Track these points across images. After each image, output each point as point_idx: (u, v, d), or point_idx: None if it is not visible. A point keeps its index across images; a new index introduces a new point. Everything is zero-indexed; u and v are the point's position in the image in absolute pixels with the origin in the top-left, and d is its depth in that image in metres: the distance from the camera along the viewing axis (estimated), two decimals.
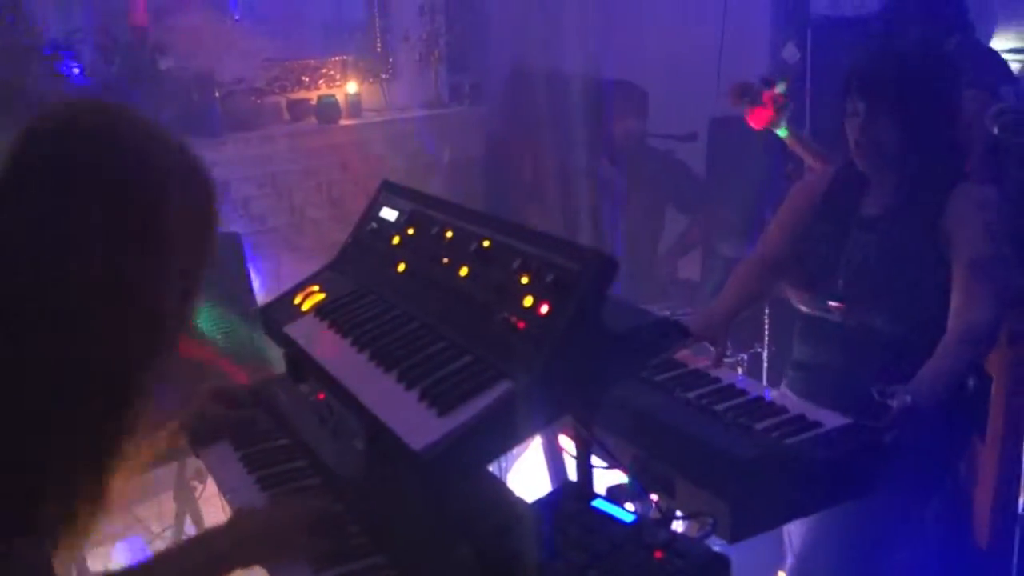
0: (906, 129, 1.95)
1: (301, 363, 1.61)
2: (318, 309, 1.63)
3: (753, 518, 1.40)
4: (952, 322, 1.84)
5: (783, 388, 2.21)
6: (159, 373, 1.07)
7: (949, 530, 2.22)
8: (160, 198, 1.04)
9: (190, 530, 3.06)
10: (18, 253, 0.98)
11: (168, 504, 3.10)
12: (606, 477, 1.41)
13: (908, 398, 1.61)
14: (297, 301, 1.71)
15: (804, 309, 2.14)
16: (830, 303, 2.03)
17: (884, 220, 2.03)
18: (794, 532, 2.07)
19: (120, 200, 1.01)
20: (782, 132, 2.78)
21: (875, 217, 2.05)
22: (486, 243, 1.38)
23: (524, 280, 1.26)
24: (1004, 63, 3.17)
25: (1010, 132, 2.63)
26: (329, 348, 1.50)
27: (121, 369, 1.02)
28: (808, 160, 2.84)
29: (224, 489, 1.71)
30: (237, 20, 4.16)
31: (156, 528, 3.18)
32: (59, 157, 1.01)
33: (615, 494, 1.38)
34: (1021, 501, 2.58)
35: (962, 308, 1.84)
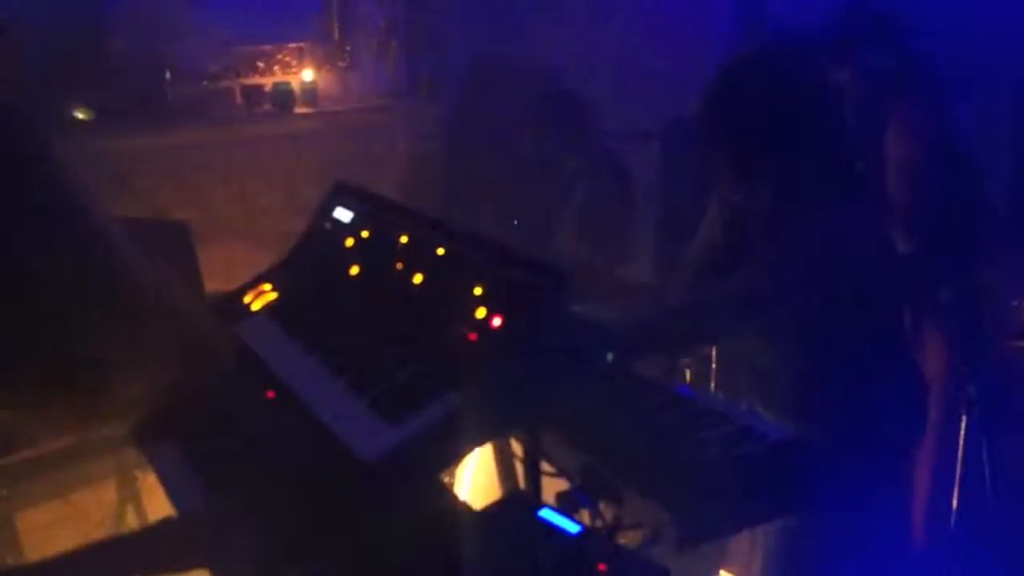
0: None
1: (249, 363, 1.60)
2: (269, 309, 1.62)
3: (698, 529, 1.42)
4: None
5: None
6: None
7: (888, 529, 2.27)
8: None
9: (132, 519, 3.02)
10: None
11: (109, 493, 3.05)
12: (558, 483, 1.42)
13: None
14: (248, 299, 1.69)
15: None
16: None
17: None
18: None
19: None
20: None
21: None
22: (441, 251, 1.38)
23: (478, 291, 1.26)
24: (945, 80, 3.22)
25: None
26: (279, 350, 1.49)
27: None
28: None
29: (167, 486, 1.69)
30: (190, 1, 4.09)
31: (96, 517, 3.13)
32: None
33: (563, 502, 1.39)
34: (955, 503, 2.66)
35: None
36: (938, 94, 2.82)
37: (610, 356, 1.42)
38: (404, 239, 1.48)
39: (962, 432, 2.65)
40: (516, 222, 4.01)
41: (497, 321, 1.20)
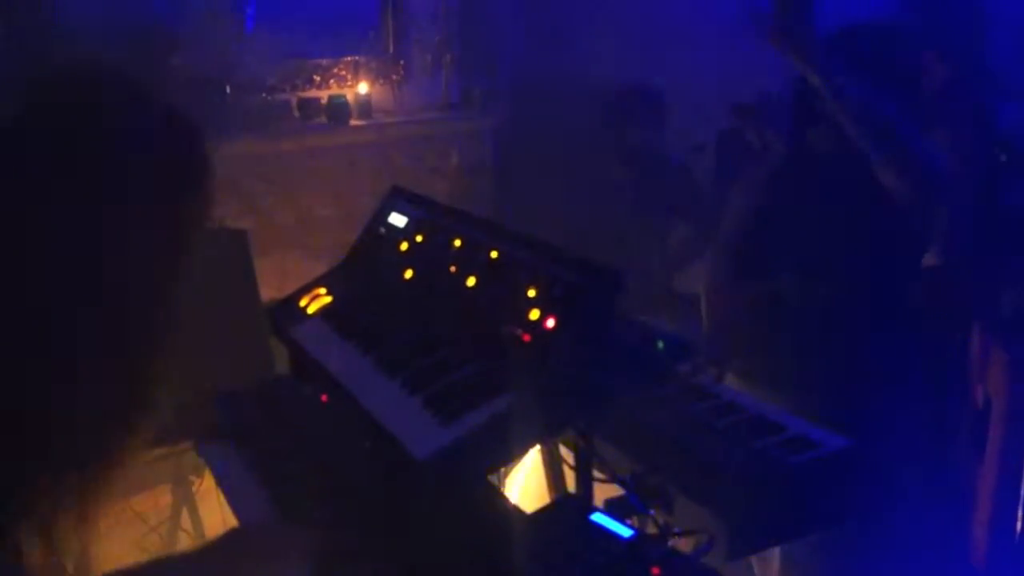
0: None
1: (305, 365, 1.62)
2: (324, 312, 1.65)
3: (750, 537, 1.41)
4: None
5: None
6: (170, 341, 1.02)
7: (945, 551, 2.23)
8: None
9: (186, 524, 3.07)
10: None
11: (165, 497, 3.10)
12: (606, 489, 1.42)
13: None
14: (303, 303, 1.72)
15: None
16: None
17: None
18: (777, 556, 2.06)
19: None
20: None
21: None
22: (494, 254, 1.39)
23: (531, 293, 1.26)
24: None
25: None
26: (334, 352, 1.51)
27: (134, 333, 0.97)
28: None
29: (224, 488, 1.71)
30: (249, 16, 4.17)
31: (152, 521, 3.18)
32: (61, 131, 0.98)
33: (614, 507, 1.38)
34: (1019, 525, 2.59)
35: None
36: (989, 98, 2.78)
37: (660, 344, 1.42)
38: (457, 243, 1.50)
39: None
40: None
41: (551, 322, 1.21)
